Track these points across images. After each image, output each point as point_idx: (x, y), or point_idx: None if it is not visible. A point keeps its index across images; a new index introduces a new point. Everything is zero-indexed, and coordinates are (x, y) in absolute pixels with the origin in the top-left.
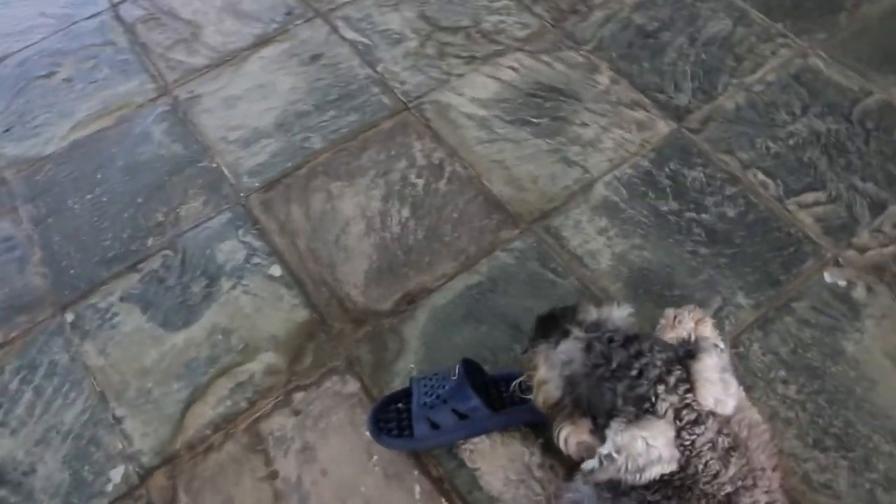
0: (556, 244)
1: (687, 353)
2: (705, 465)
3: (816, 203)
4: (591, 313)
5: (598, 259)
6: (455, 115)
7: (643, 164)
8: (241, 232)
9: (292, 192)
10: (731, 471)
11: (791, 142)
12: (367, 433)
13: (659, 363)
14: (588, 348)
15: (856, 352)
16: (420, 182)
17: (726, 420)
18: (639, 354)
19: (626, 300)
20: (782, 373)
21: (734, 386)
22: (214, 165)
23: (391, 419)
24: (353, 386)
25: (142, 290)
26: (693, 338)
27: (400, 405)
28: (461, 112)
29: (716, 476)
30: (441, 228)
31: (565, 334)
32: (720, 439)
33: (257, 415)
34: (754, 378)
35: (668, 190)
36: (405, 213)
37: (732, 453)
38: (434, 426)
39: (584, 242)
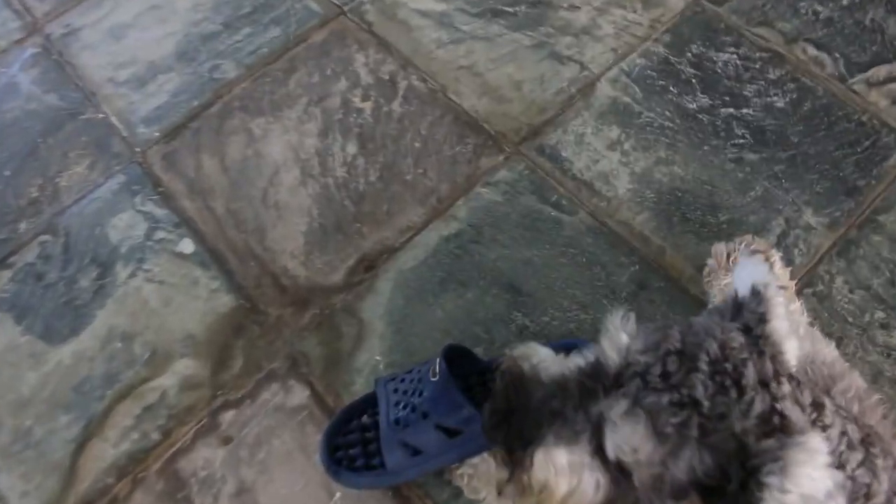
0: (554, 169)
1: (760, 318)
2: (852, 476)
3: (890, 78)
4: (552, 360)
5: (614, 183)
6: (405, 14)
7: (657, 51)
8: (138, 199)
9: (202, 139)
10: (884, 481)
11: (845, 1)
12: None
13: (745, 356)
14: (651, 411)
15: None
16: (367, 106)
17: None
18: (716, 365)
19: (656, 234)
20: (880, 314)
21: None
22: (101, 116)
23: (354, 443)
24: (300, 394)
25: (14, 291)
26: (739, 289)
27: (365, 419)
28: (412, 9)
29: (868, 495)
30: (400, 164)
31: (557, 418)
32: (847, 426)
33: (174, 449)
34: (844, 325)
35: (693, 82)
36: (351, 149)
37: (872, 448)
38: (413, 451)
39: (593, 162)
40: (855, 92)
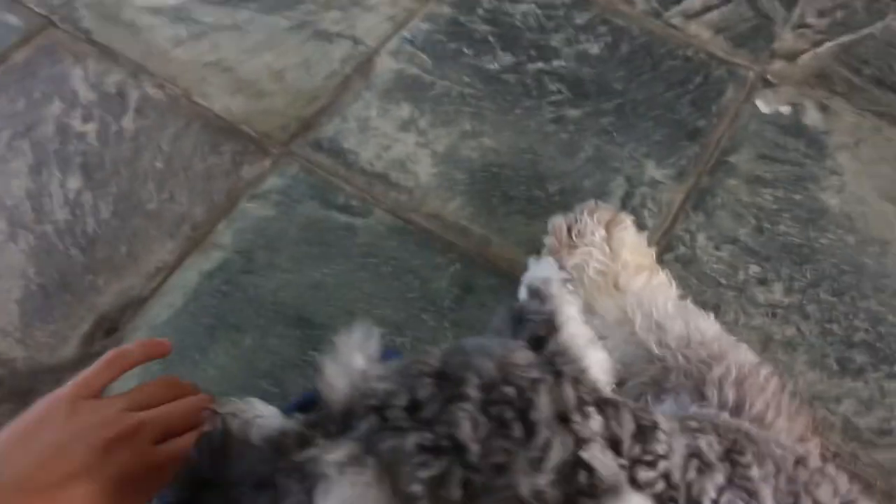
0: (337, 165)
1: (549, 324)
2: None
3: (707, 8)
4: (275, 414)
5: (413, 170)
6: (131, 15)
7: (443, 13)
8: None
9: None
10: (767, 497)
11: None
12: None
13: (535, 376)
14: (390, 460)
15: (842, 204)
16: (91, 129)
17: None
18: (491, 391)
19: (475, 222)
20: (755, 268)
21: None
22: None
23: None
24: None
25: None
26: (526, 290)
27: None
28: (139, 7)
29: None
30: (139, 192)
31: (264, 489)
32: (701, 440)
33: None
34: (717, 289)
35: (491, 40)
36: (73, 183)
37: (742, 458)
38: None
39: (384, 150)
40: (673, 26)
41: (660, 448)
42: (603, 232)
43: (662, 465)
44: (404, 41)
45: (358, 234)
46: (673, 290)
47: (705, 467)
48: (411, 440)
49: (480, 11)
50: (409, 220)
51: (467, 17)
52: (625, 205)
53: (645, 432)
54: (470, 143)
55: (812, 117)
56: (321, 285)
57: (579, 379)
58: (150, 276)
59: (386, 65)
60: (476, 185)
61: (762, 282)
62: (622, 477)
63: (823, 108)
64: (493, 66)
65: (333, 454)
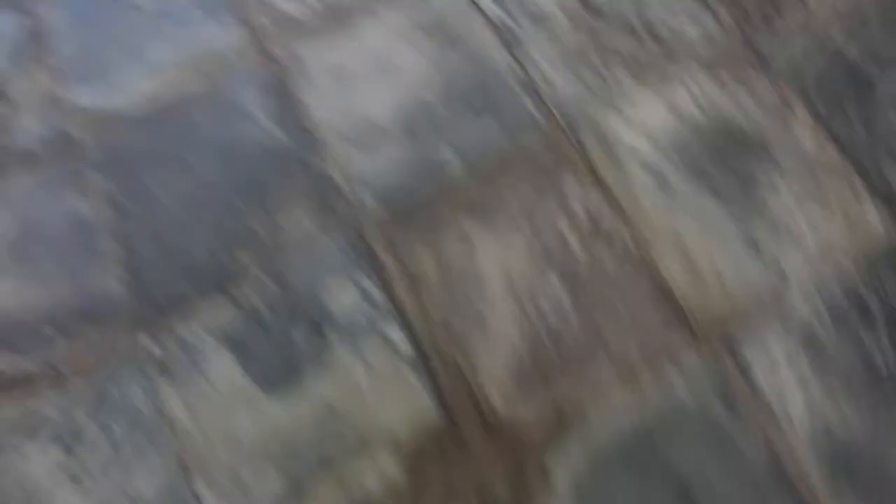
0: (737, 370)
1: None
2: None
3: None
4: None
5: (790, 409)
6: (621, 151)
7: (851, 276)
8: (357, 272)
9: (421, 227)
10: None
11: None
12: None
13: None
14: None
15: None
16: (575, 240)
17: None
18: None
19: (825, 483)
20: None
21: None
22: (323, 166)
23: None
24: None
25: (234, 325)
26: None
27: None
28: (628, 147)
29: None
30: (602, 320)
31: None
32: None
33: None
34: None
35: (879, 327)
36: (557, 284)
37: None
38: None
39: (771, 373)
40: None
41: None
42: None
43: None
44: (815, 289)
45: (749, 455)
46: None
47: None
48: None
49: (880, 292)
50: (778, 460)
51: (868, 292)
52: None
53: None
54: (837, 416)
55: None
56: (701, 475)
57: None
58: (594, 394)
59: (796, 302)
60: (834, 457)
61: None
62: None
63: None
64: (878, 358)
65: None
